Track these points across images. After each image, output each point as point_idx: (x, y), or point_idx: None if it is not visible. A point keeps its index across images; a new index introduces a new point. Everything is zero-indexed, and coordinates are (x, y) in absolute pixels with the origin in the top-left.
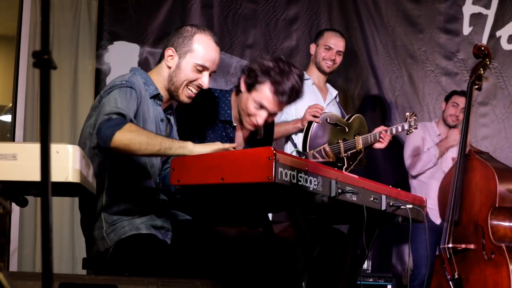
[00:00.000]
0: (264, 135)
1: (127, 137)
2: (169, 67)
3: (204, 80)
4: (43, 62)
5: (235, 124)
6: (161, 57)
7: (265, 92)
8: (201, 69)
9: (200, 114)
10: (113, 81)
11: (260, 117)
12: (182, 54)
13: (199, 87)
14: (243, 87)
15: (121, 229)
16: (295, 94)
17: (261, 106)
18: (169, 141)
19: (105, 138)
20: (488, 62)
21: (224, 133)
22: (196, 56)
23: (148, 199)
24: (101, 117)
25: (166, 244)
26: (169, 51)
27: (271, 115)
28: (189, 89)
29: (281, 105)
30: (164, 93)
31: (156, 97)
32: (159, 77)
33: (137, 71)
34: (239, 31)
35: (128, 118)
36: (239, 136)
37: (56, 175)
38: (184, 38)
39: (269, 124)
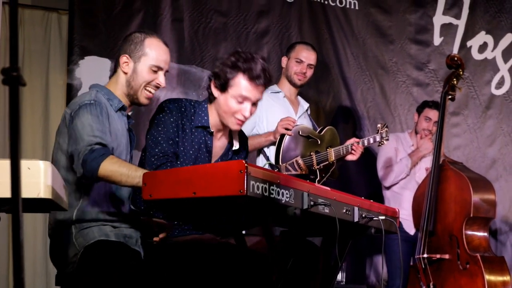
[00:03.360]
0: (240, 146)
1: (109, 168)
2: (126, 73)
3: (161, 80)
4: (12, 79)
5: (212, 130)
6: (116, 65)
7: (241, 83)
8: (156, 69)
9: (176, 119)
10: (79, 99)
11: (246, 110)
12: (137, 59)
13: (157, 87)
14: (215, 91)
15: (90, 235)
16: (268, 75)
17: (243, 99)
18: None
19: (91, 170)
20: (461, 73)
21: (201, 140)
22: (150, 59)
23: (117, 209)
24: (82, 147)
25: (138, 254)
26: (124, 58)
27: (254, 104)
28: (147, 90)
29: (260, 90)
30: (124, 100)
31: (122, 109)
32: (118, 85)
33: (98, 88)
34: (210, 44)
35: (110, 146)
36: (217, 145)
37: (28, 191)
38: (136, 44)
39: (243, 136)
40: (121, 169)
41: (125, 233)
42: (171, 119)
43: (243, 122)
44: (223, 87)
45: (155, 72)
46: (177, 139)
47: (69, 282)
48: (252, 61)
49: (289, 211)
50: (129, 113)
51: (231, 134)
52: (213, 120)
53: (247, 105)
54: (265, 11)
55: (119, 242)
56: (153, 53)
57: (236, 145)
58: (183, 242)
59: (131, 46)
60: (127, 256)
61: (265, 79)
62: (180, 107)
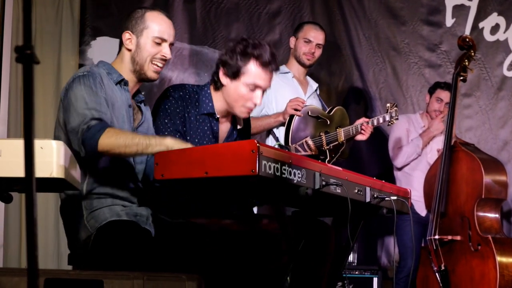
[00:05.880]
0: (244, 125)
1: (106, 143)
2: (130, 50)
3: (166, 51)
4: (25, 57)
5: (218, 116)
6: (120, 44)
7: (254, 71)
8: (160, 41)
9: (182, 110)
10: (74, 73)
11: (257, 98)
12: (139, 33)
13: (163, 59)
14: (224, 79)
15: (101, 216)
16: (276, 59)
17: (255, 87)
18: (147, 139)
19: (91, 149)
20: (472, 54)
21: (206, 127)
22: (152, 31)
23: (127, 187)
24: (78, 125)
25: (149, 233)
26: (126, 35)
27: (263, 92)
28: (154, 64)
29: (270, 76)
30: (130, 77)
31: (121, 82)
32: (123, 63)
33: (100, 63)
34: (222, 25)
35: (106, 118)
36: (222, 129)
37: (41, 171)
38: (137, 19)
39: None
40: (119, 141)
41: (135, 212)
42: (177, 110)
43: (252, 110)
44: (235, 75)
45: (159, 44)
46: (184, 129)
47: (82, 263)
48: (262, 47)
49: (301, 191)
50: (142, 95)
51: (234, 117)
52: (218, 106)
53: (258, 93)
54: None
55: (130, 222)
56: (154, 25)
57: (239, 125)
58: (193, 222)
59: (133, 21)
60: (137, 235)
61: (275, 65)
62: (185, 95)
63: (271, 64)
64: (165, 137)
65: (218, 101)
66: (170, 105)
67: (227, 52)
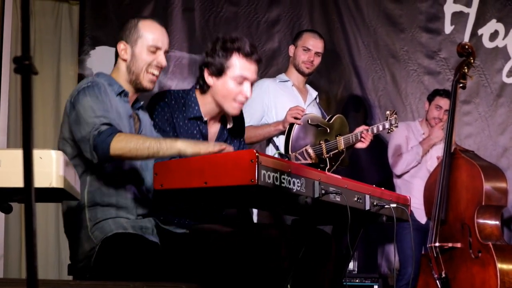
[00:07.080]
0: (234, 124)
1: (118, 147)
2: (125, 60)
3: (161, 59)
4: (24, 67)
5: (206, 119)
6: (116, 55)
7: (238, 63)
8: (154, 49)
9: (169, 116)
10: (78, 85)
11: (247, 91)
12: (133, 43)
13: (159, 67)
14: (210, 79)
15: (106, 227)
16: (257, 50)
17: (243, 79)
18: (158, 143)
19: (104, 153)
20: (472, 61)
21: (195, 131)
22: (146, 39)
23: (130, 197)
24: (88, 132)
25: (156, 244)
26: (121, 45)
27: (251, 85)
28: (149, 72)
29: (254, 68)
30: (128, 88)
31: (122, 93)
32: (119, 73)
33: (99, 75)
34: (221, 34)
35: (115, 124)
36: (211, 131)
37: (40, 181)
38: (130, 29)
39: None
40: (129, 145)
41: (141, 225)
42: (165, 117)
43: (243, 104)
44: (220, 71)
45: (154, 52)
46: (176, 134)
47: (85, 275)
48: (240, 40)
49: (301, 200)
50: (141, 103)
51: (223, 117)
52: (205, 109)
53: (247, 85)
54: (276, 0)
55: (136, 235)
56: (148, 34)
57: (229, 124)
58: (194, 231)
59: (126, 32)
60: (146, 249)
61: (257, 54)
62: (170, 101)
63: (254, 54)
64: (176, 140)
65: (205, 104)
66: (157, 113)
67: (207, 54)
